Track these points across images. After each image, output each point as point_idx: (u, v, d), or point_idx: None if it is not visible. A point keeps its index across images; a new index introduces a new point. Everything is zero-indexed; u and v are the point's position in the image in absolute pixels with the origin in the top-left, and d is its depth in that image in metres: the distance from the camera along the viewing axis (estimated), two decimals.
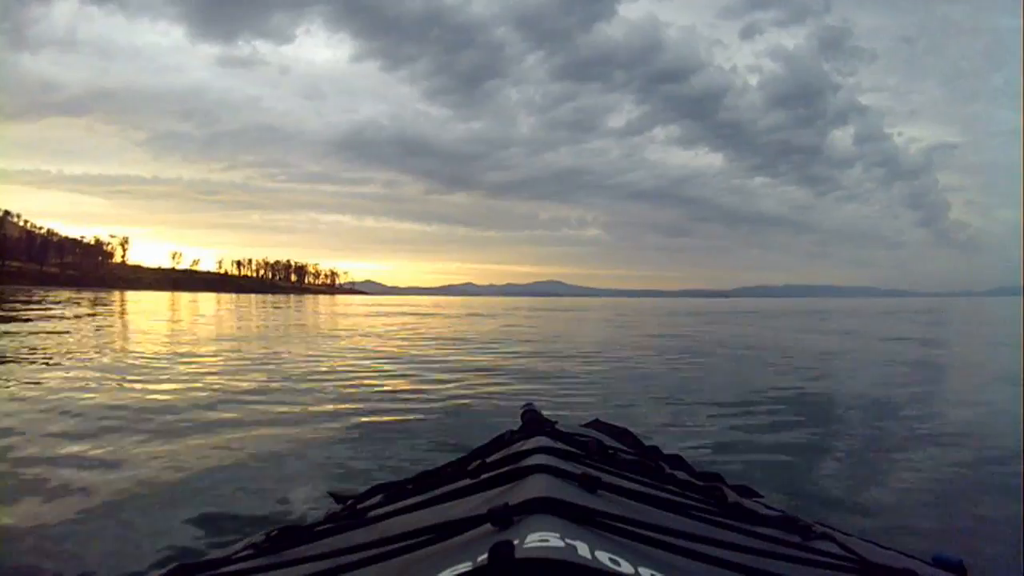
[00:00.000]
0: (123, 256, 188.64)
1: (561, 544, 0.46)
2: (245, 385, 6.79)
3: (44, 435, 4.35)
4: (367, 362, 9.42)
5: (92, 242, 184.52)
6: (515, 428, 1.14)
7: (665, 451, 1.34)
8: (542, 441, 0.96)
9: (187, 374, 7.64)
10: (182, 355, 9.69)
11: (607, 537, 0.53)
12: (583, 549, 0.46)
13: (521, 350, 12.08)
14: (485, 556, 0.44)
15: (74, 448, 4.01)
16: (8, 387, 6.24)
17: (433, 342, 13.88)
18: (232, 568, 0.67)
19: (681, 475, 1.11)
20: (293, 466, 3.79)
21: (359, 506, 0.89)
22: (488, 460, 0.89)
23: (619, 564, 0.45)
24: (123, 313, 25.54)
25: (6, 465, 3.61)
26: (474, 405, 5.96)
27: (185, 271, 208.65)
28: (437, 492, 0.81)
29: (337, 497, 1.04)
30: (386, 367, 8.83)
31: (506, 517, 0.55)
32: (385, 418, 5.19)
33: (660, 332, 19.31)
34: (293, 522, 0.78)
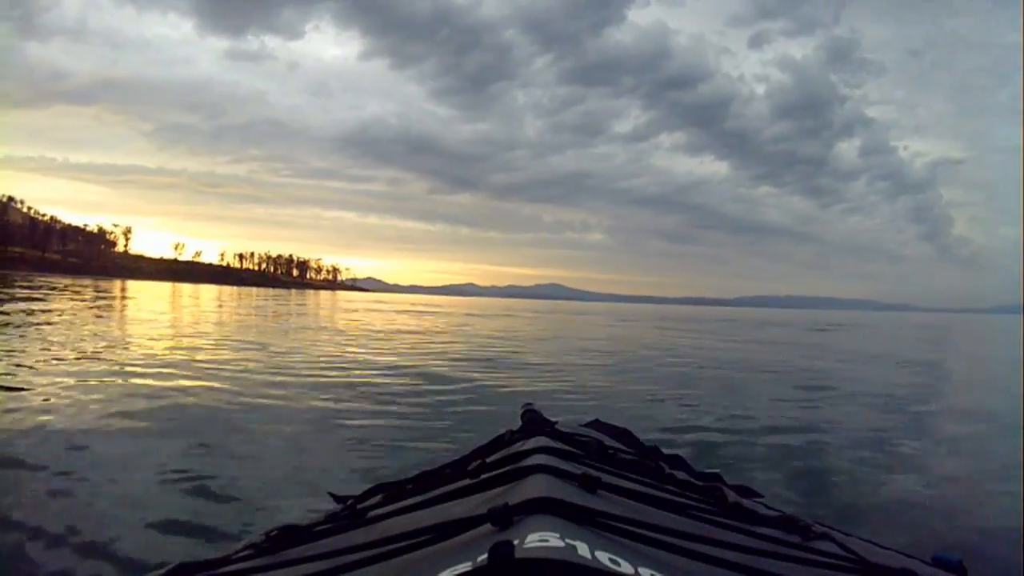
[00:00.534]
0: (125, 245, 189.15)
1: (561, 544, 0.46)
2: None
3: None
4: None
5: (95, 230, 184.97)
6: (515, 428, 1.14)
7: (665, 451, 1.34)
8: (542, 441, 0.95)
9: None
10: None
11: (607, 537, 0.53)
12: (583, 549, 0.46)
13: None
14: (485, 556, 0.43)
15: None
16: None
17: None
18: (232, 568, 0.67)
19: (681, 475, 1.11)
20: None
21: (359, 506, 0.89)
22: (488, 460, 0.89)
23: (619, 564, 0.45)
24: (109, 309, 22.32)
25: None
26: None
27: (187, 262, 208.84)
28: (437, 492, 0.81)
29: (337, 497, 1.04)
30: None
31: (506, 517, 0.54)
32: None
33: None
34: (293, 522, 0.77)
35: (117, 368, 7.19)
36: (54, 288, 33.99)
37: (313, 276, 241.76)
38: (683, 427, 5.35)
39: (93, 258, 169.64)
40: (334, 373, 7.82)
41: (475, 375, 8.28)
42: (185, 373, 7.13)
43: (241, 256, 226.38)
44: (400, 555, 0.57)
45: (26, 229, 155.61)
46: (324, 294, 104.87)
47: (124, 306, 23.51)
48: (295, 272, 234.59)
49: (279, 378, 7.12)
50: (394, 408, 5.68)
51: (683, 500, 0.82)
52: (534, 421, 1.15)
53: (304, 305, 38.12)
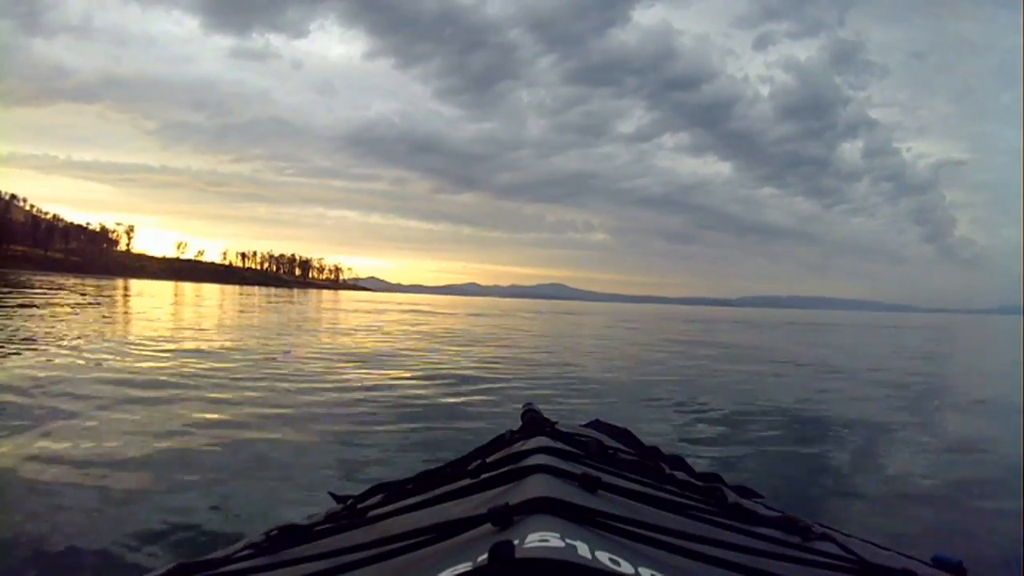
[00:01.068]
0: (128, 244, 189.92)
1: (561, 544, 0.46)
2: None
3: None
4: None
5: (98, 229, 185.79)
6: (515, 428, 1.14)
7: (665, 451, 1.34)
8: (542, 441, 0.95)
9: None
10: None
11: (607, 537, 0.53)
12: (583, 549, 0.46)
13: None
14: (485, 556, 0.43)
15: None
16: None
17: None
18: (232, 567, 0.67)
19: (681, 475, 1.11)
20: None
21: (359, 506, 0.88)
22: (488, 460, 0.89)
23: (619, 564, 0.45)
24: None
25: None
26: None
27: (189, 261, 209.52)
28: (437, 492, 0.80)
29: (337, 497, 1.04)
30: None
31: (506, 517, 0.54)
32: None
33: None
34: (293, 522, 0.77)
35: (116, 369, 7.22)
36: (49, 290, 34.04)
37: (315, 275, 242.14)
38: (683, 427, 5.35)
39: (96, 257, 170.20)
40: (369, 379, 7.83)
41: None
42: (186, 373, 7.15)
43: (243, 255, 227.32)
44: (400, 555, 0.57)
45: (29, 227, 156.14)
46: (326, 293, 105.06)
47: (128, 309, 23.54)
48: (297, 271, 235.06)
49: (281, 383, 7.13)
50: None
51: (683, 500, 0.82)
52: (534, 421, 1.15)
53: (305, 306, 38.18)
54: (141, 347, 9.58)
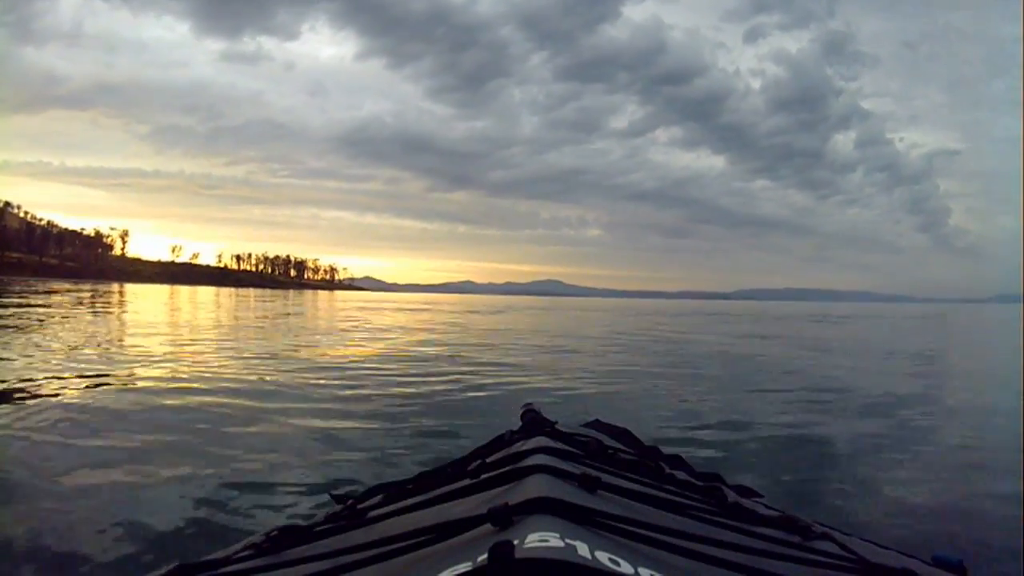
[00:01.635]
0: (123, 249, 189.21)
1: (561, 544, 0.46)
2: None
3: None
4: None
5: (92, 234, 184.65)
6: (515, 428, 1.14)
7: (665, 451, 1.34)
8: (542, 441, 0.96)
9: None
10: None
11: (607, 537, 0.53)
12: (583, 549, 0.46)
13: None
14: (485, 556, 0.44)
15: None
16: None
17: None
18: (232, 568, 0.67)
19: (681, 475, 1.11)
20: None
21: (359, 506, 0.89)
22: (488, 460, 0.89)
23: (619, 564, 0.45)
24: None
25: None
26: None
27: (184, 264, 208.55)
28: (437, 492, 0.81)
29: (337, 497, 1.04)
30: None
31: (506, 517, 0.54)
32: None
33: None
34: (293, 522, 0.77)
35: (116, 371, 7.18)
36: (42, 293, 33.82)
37: (311, 276, 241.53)
38: (683, 427, 5.36)
39: (91, 262, 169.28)
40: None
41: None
42: (185, 375, 7.12)
43: (238, 257, 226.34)
44: (400, 555, 0.58)
45: (23, 234, 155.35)
46: (322, 294, 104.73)
47: (123, 312, 23.45)
48: (292, 272, 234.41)
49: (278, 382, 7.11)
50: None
51: (683, 500, 0.82)
52: (534, 421, 1.15)
53: (303, 306, 38.07)
54: (140, 348, 9.54)
